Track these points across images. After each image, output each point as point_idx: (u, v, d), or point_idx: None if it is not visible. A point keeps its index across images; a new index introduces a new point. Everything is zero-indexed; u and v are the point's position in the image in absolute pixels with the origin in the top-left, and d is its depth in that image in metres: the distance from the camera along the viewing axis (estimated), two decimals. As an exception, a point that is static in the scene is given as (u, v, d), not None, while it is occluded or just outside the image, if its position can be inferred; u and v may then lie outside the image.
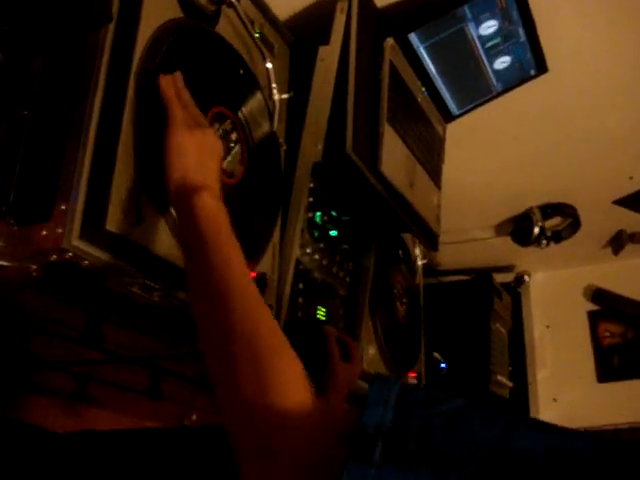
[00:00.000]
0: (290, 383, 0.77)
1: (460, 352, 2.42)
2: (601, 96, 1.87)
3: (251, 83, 1.30)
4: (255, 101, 1.30)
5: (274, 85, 1.32)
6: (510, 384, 2.58)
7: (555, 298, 2.98)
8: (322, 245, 1.52)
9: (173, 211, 1.01)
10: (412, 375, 2.02)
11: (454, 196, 2.17)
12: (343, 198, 1.58)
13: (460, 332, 2.46)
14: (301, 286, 1.44)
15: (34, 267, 0.95)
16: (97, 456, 1.26)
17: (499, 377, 2.44)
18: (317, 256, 1.50)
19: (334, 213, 1.58)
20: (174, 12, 1.14)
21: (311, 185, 1.45)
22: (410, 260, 2.14)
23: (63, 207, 0.89)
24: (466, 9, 1.52)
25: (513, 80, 1.74)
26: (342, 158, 1.35)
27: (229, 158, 1.19)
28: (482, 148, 2.13)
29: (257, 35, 1.36)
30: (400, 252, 2.07)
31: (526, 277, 2.93)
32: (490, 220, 2.61)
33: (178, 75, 1.06)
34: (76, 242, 0.88)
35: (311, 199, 1.47)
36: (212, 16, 1.24)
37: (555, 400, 2.85)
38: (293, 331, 1.38)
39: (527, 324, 2.92)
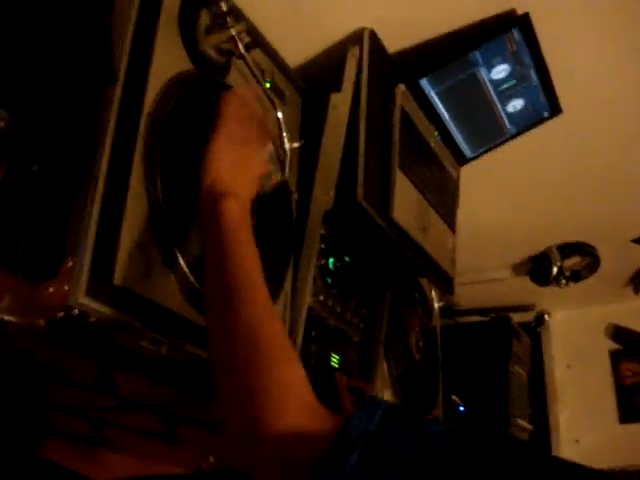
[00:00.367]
0: (288, 399, 0.78)
1: (479, 395, 2.39)
2: (618, 134, 1.85)
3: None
4: (266, 150, 1.30)
5: (285, 134, 1.32)
6: (530, 427, 2.53)
7: (576, 337, 2.94)
8: (335, 292, 1.51)
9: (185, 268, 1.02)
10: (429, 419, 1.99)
11: (471, 236, 2.16)
12: (356, 244, 1.57)
13: (478, 375, 2.43)
14: (314, 334, 1.43)
15: (42, 322, 0.95)
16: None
17: (519, 421, 2.40)
18: (330, 303, 1.49)
19: (347, 258, 1.57)
20: (184, 65, 1.15)
21: (323, 232, 1.45)
22: (427, 302, 2.12)
23: (70, 263, 0.89)
24: (477, 54, 1.52)
25: (527, 122, 1.73)
26: (353, 206, 1.35)
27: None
28: (498, 189, 2.12)
29: (268, 84, 1.37)
30: (416, 294, 2.05)
31: (546, 316, 2.90)
32: (508, 260, 2.59)
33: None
34: (83, 299, 0.88)
35: (323, 246, 1.46)
36: (222, 67, 1.25)
37: (577, 441, 2.79)
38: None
39: (547, 364, 2.87)
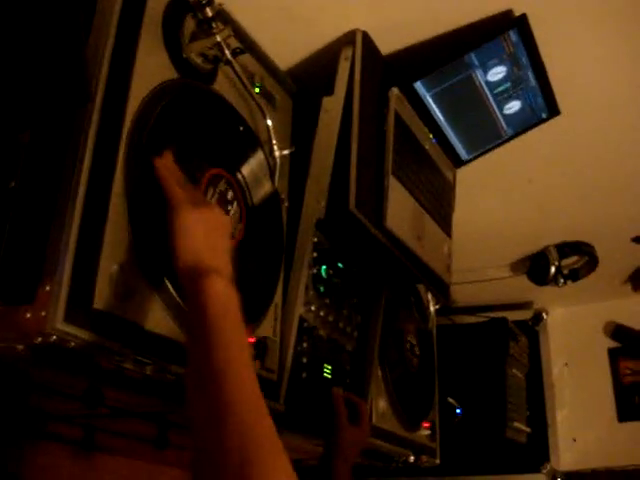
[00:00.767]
0: None
1: (475, 398, 2.37)
2: (616, 134, 1.82)
3: (251, 141, 1.27)
4: (256, 160, 1.27)
5: (275, 142, 1.29)
6: (527, 430, 2.50)
7: (574, 335, 2.91)
8: (328, 300, 1.48)
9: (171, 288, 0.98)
10: (426, 425, 1.96)
11: (469, 236, 2.13)
12: (349, 251, 1.54)
13: (475, 377, 2.40)
14: (305, 345, 1.39)
15: (20, 347, 0.91)
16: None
17: (516, 424, 2.37)
18: (322, 312, 1.46)
19: (340, 265, 1.54)
20: (168, 73, 1.11)
21: (315, 239, 1.41)
22: (422, 304, 2.09)
23: (47, 288, 0.85)
24: (473, 56, 1.48)
25: (524, 124, 1.69)
26: (346, 215, 1.31)
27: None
28: (496, 189, 2.09)
29: (257, 90, 1.33)
30: (412, 297, 2.02)
31: (544, 314, 2.86)
32: (506, 259, 2.56)
33: (168, 155, 1.02)
34: (60, 325, 0.84)
35: (315, 254, 1.43)
36: (209, 74, 1.21)
37: (575, 440, 2.77)
38: (298, 393, 1.33)
39: (545, 362, 2.83)
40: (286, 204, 1.37)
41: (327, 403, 1.44)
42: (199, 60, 1.17)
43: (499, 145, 1.74)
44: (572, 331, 2.91)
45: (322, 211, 1.36)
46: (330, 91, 1.44)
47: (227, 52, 1.18)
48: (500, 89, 1.57)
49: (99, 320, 0.90)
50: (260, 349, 1.21)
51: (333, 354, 1.50)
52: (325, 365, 1.47)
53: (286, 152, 1.33)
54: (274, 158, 1.30)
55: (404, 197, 1.47)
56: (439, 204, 1.67)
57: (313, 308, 1.42)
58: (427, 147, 1.61)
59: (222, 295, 0.87)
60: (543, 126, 1.71)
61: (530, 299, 2.89)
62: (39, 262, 0.88)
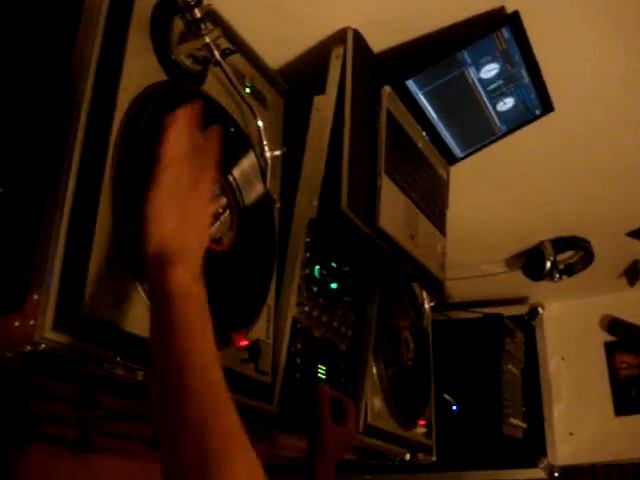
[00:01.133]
0: None
1: (471, 394, 2.36)
2: (610, 129, 1.81)
3: (242, 142, 1.26)
4: (247, 161, 1.26)
5: (266, 143, 1.28)
6: (524, 425, 2.50)
7: (570, 329, 2.90)
8: (321, 300, 1.47)
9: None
10: (422, 423, 1.96)
11: (464, 232, 2.12)
12: (343, 251, 1.53)
13: (471, 373, 2.40)
14: (299, 346, 1.39)
15: (10, 355, 0.91)
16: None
17: (512, 419, 2.37)
18: (316, 313, 1.45)
19: (334, 264, 1.53)
20: (157, 75, 1.10)
21: (307, 239, 1.41)
22: (417, 301, 2.08)
23: (35, 297, 0.85)
24: (465, 53, 1.47)
25: (518, 121, 1.68)
26: (338, 215, 1.30)
27: (217, 224, 1.14)
28: (491, 185, 2.08)
29: (248, 90, 1.32)
30: (406, 294, 2.01)
31: (540, 309, 2.86)
32: (501, 255, 2.55)
33: (196, 107, 0.98)
34: (49, 334, 0.83)
35: (308, 254, 1.42)
36: (198, 76, 1.20)
37: (572, 434, 2.77)
38: (292, 395, 1.33)
39: (542, 357, 2.83)
40: (278, 205, 1.36)
41: (313, 399, 1.43)
42: (188, 62, 1.16)
43: (493, 142, 1.73)
44: (568, 325, 2.90)
45: (314, 211, 1.35)
46: (321, 90, 1.43)
47: (216, 53, 1.16)
48: (493, 86, 1.56)
49: (88, 327, 0.89)
50: (253, 352, 1.20)
51: (327, 354, 1.50)
52: (319, 365, 1.46)
53: (277, 153, 1.32)
54: (265, 159, 1.29)
55: (397, 196, 1.47)
56: (433, 202, 1.66)
57: (307, 309, 1.42)
58: (420, 145, 1.61)
59: (184, 284, 0.84)
60: (537, 122, 1.71)
61: (526, 294, 2.89)
62: (27, 270, 0.87)
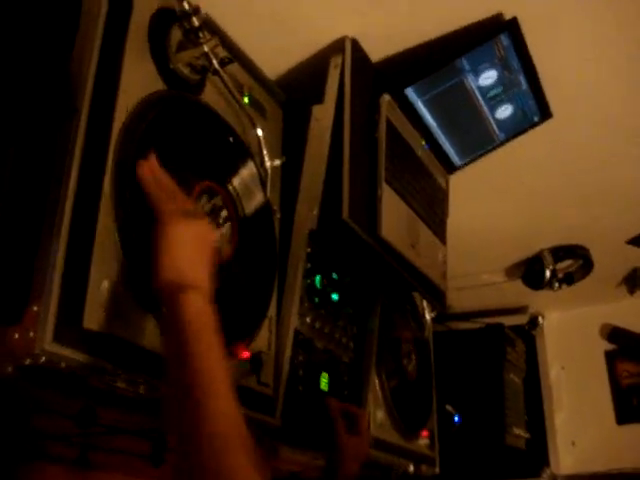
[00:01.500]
0: None
1: (474, 404, 2.34)
2: (609, 137, 1.81)
3: (241, 152, 1.25)
4: (247, 171, 1.24)
5: (265, 152, 1.27)
6: (526, 435, 2.48)
7: (570, 338, 2.89)
8: (323, 311, 1.46)
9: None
10: (425, 434, 1.94)
11: (463, 241, 2.11)
12: (344, 261, 1.51)
13: (473, 383, 2.38)
14: (301, 358, 1.37)
15: (10, 369, 0.89)
16: None
17: (515, 429, 2.35)
18: (318, 324, 1.43)
19: (335, 276, 1.52)
20: (155, 85, 1.09)
21: (308, 250, 1.39)
22: (418, 313, 2.07)
23: (35, 308, 0.83)
24: (464, 61, 1.47)
25: (517, 128, 1.68)
26: (339, 225, 1.29)
27: (217, 235, 1.13)
28: (489, 193, 2.07)
29: (246, 100, 1.31)
30: (407, 305, 2.00)
31: (540, 319, 2.85)
32: (501, 264, 2.54)
33: (152, 159, 0.99)
34: (49, 346, 0.81)
35: (309, 265, 1.40)
36: (197, 85, 1.18)
37: (574, 444, 2.75)
38: (295, 407, 1.31)
39: (542, 366, 2.82)
40: (278, 215, 1.34)
41: (325, 415, 1.41)
42: (186, 71, 1.15)
43: (492, 150, 1.73)
44: (568, 334, 2.89)
45: (315, 221, 1.34)
46: (320, 99, 1.43)
47: (215, 62, 1.15)
48: (492, 93, 1.56)
49: (90, 340, 0.87)
50: (255, 364, 1.18)
51: (330, 366, 1.48)
52: (322, 377, 1.44)
53: (277, 163, 1.31)
54: (265, 169, 1.27)
55: (398, 205, 1.46)
56: (433, 211, 1.65)
57: (308, 320, 1.40)
58: (419, 154, 1.60)
59: (199, 311, 0.87)
60: (536, 130, 1.70)
61: (526, 303, 2.88)
62: (26, 281, 0.85)
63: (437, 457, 2.04)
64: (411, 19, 1.43)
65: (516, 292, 2.68)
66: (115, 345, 0.91)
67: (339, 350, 1.53)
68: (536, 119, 1.66)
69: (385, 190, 1.39)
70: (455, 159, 1.74)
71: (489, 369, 2.36)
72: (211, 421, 0.78)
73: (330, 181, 1.35)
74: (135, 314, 0.95)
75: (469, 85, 1.52)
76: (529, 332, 2.81)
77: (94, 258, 0.89)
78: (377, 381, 1.71)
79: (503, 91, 1.56)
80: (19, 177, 0.92)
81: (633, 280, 2.61)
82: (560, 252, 2.37)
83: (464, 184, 1.89)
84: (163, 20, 1.12)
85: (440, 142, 1.66)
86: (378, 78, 1.50)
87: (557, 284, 2.44)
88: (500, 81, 1.53)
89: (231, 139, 1.23)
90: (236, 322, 1.16)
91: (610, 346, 2.83)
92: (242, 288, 1.19)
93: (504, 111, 1.62)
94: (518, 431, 2.38)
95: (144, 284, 0.95)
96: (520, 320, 2.85)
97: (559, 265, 2.40)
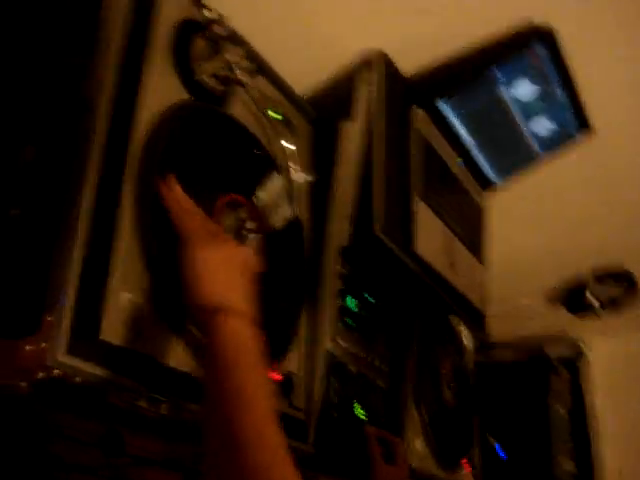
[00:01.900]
0: None
1: (518, 438, 2.24)
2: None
3: (268, 164, 1.20)
4: (273, 183, 1.20)
5: (293, 166, 1.22)
6: (574, 469, 2.37)
7: (617, 369, 2.77)
8: (357, 334, 1.39)
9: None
10: (466, 465, 1.85)
11: (503, 266, 2.03)
12: (378, 281, 1.45)
13: (517, 416, 2.28)
14: (335, 382, 1.30)
15: (24, 384, 0.84)
16: None
17: (562, 461, 2.24)
18: (352, 347, 1.37)
19: (369, 298, 1.46)
20: (179, 94, 1.06)
21: (341, 270, 1.34)
22: (458, 340, 1.99)
23: (49, 319, 0.79)
24: (497, 71, 1.41)
25: (555, 143, 1.61)
26: (372, 240, 1.24)
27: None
28: (528, 215, 2.00)
29: (274, 114, 1.27)
30: (446, 332, 1.92)
31: (584, 348, 2.74)
32: (542, 290, 2.45)
33: (173, 181, 0.95)
34: (63, 358, 0.77)
35: (342, 285, 1.35)
36: (222, 96, 1.15)
37: (621, 473, 2.62)
38: (329, 434, 1.25)
39: (588, 398, 2.71)
40: (308, 231, 1.29)
41: (360, 443, 1.35)
42: (211, 81, 1.11)
43: (530, 166, 1.66)
44: (614, 364, 2.77)
45: (347, 238, 1.29)
46: (350, 116, 1.38)
47: (239, 72, 1.12)
48: (528, 105, 1.50)
49: (107, 353, 0.83)
50: (287, 386, 1.13)
51: (365, 392, 1.41)
52: (357, 403, 1.38)
53: (307, 178, 1.26)
54: (293, 182, 1.23)
55: (433, 221, 1.40)
56: (470, 230, 1.59)
57: (341, 342, 1.34)
58: (454, 170, 1.54)
59: (239, 335, 0.81)
60: (577, 147, 1.64)
61: (569, 333, 2.77)
62: (41, 291, 0.81)
63: (480, 491, 1.95)
64: (442, 31, 1.39)
65: (559, 321, 2.58)
66: (134, 360, 0.86)
67: (375, 375, 1.46)
68: (574, 132, 1.60)
69: (419, 205, 1.34)
70: (492, 176, 1.68)
71: (534, 400, 2.26)
72: (254, 451, 0.71)
73: (362, 197, 1.30)
74: (156, 330, 0.90)
75: (504, 97, 1.46)
76: (573, 362, 2.70)
77: (113, 268, 0.85)
78: (415, 410, 1.63)
79: (539, 103, 1.50)
80: (37, 181, 0.89)
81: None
82: (603, 276, 2.28)
83: (502, 205, 1.83)
84: (187, 30, 1.09)
85: (476, 158, 1.60)
86: (409, 92, 1.46)
87: (601, 310, 2.34)
88: (536, 92, 1.47)
89: (256, 151, 1.19)
90: (266, 342, 1.10)
91: (658, 375, 2.71)
92: (270, 305, 1.14)
93: (541, 124, 1.56)
94: (565, 463, 2.27)
95: (166, 299, 0.90)
96: (564, 350, 2.75)
97: (602, 290, 2.31)
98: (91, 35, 0.98)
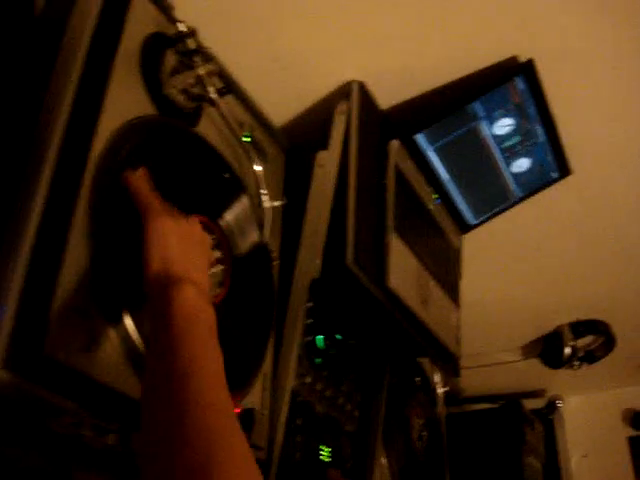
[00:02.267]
0: None
1: (490, 490, 2.16)
2: (634, 200, 1.70)
3: (236, 186, 1.15)
4: (241, 206, 1.14)
5: (264, 191, 1.17)
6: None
7: (591, 424, 2.71)
8: (325, 373, 1.33)
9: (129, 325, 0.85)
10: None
11: (475, 316, 1.98)
12: (348, 319, 1.39)
13: (489, 468, 2.20)
14: (299, 422, 1.23)
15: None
16: None
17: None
18: (319, 386, 1.30)
19: (338, 336, 1.39)
20: (146, 109, 1.00)
21: (310, 304, 1.28)
22: (430, 387, 1.92)
23: (-14, 329, 0.71)
24: (478, 106, 1.38)
25: (534, 185, 1.58)
26: (343, 272, 1.18)
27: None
28: (501, 262, 1.95)
29: (246, 138, 1.22)
30: (417, 379, 1.86)
31: (558, 403, 2.68)
32: (516, 341, 2.39)
33: (143, 172, 0.91)
34: (-1, 373, 0.69)
35: (310, 321, 1.28)
36: (192, 114, 1.10)
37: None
38: (290, 477, 1.17)
39: (562, 454, 2.63)
40: (277, 261, 1.24)
41: (326, 489, 1.27)
42: (181, 97, 1.06)
43: (508, 208, 1.62)
44: (589, 419, 2.71)
45: (318, 269, 1.23)
46: (325, 146, 1.34)
47: (211, 89, 1.07)
48: (508, 144, 1.47)
49: (49, 371, 0.75)
50: (247, 420, 1.05)
51: (331, 434, 1.34)
52: (322, 446, 1.30)
53: (277, 203, 1.21)
54: (263, 209, 1.17)
55: (407, 257, 1.35)
56: (445, 270, 1.54)
57: (309, 380, 1.27)
58: (430, 207, 1.50)
59: (193, 306, 0.75)
60: (554, 188, 1.60)
61: (543, 386, 2.72)
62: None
63: None
64: (421, 63, 1.37)
65: (533, 373, 2.52)
66: (79, 381, 0.79)
67: (342, 417, 1.39)
68: (554, 175, 1.57)
69: (393, 239, 1.28)
70: (468, 217, 1.63)
71: (507, 452, 2.18)
72: (202, 415, 0.64)
73: (334, 228, 1.25)
74: (106, 344, 0.83)
75: (483, 133, 1.43)
76: (547, 416, 2.64)
77: (62, 277, 0.78)
78: (384, 459, 1.56)
79: (520, 142, 1.47)
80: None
81: (657, 361, 2.46)
82: (580, 327, 2.24)
83: (474, 249, 1.78)
84: (156, 44, 1.05)
85: (452, 197, 1.56)
86: (386, 125, 1.42)
87: (577, 363, 2.29)
88: (516, 130, 1.44)
89: (227, 175, 1.13)
90: (227, 373, 1.03)
91: (633, 432, 2.65)
92: (234, 335, 1.07)
93: (521, 165, 1.52)
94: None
95: (110, 297, 0.84)
96: (537, 404, 2.69)
97: (579, 342, 2.26)
98: (55, 42, 0.94)
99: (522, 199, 1.61)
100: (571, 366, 2.30)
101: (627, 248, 1.86)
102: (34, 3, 1.02)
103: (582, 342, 2.28)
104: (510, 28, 1.30)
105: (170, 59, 1.06)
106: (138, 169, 0.91)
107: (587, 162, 1.56)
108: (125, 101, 0.97)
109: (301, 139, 1.42)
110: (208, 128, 1.13)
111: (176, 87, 1.06)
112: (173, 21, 1.07)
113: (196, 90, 1.07)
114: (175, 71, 1.06)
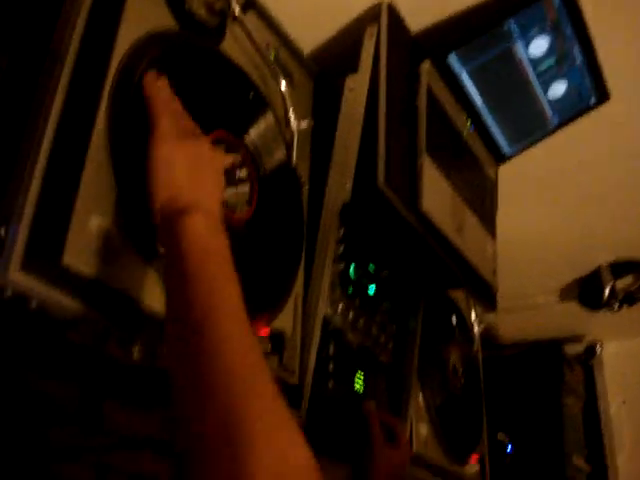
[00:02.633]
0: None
1: (529, 432, 2.13)
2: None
3: (261, 103, 1.11)
4: (267, 124, 1.11)
5: (291, 110, 1.13)
6: (588, 468, 2.25)
7: (631, 370, 2.65)
8: (357, 302, 1.30)
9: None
10: (474, 460, 1.74)
11: (510, 257, 1.91)
12: (381, 247, 1.36)
13: (527, 409, 2.17)
14: (332, 350, 1.21)
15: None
16: None
17: (575, 460, 2.12)
18: (351, 315, 1.27)
19: (372, 266, 1.36)
20: (165, 22, 0.97)
21: (342, 232, 1.24)
22: (466, 326, 1.89)
23: (2, 231, 0.69)
24: (512, 24, 1.32)
25: (571, 111, 1.52)
26: (374, 194, 1.14)
27: (232, 191, 0.99)
28: (538, 197, 1.88)
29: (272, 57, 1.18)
30: (453, 317, 1.82)
31: (598, 347, 2.62)
32: (554, 283, 2.33)
33: (164, 81, 0.87)
34: (14, 275, 0.67)
35: (342, 248, 1.25)
36: (215, 31, 1.06)
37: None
38: (322, 405, 1.15)
39: (602, 400, 2.59)
40: (306, 186, 1.20)
41: (358, 420, 1.25)
42: (202, 11, 1.03)
43: (545, 136, 1.56)
44: (629, 365, 2.65)
45: (348, 193, 1.19)
46: (354, 70, 1.30)
47: (235, 5, 1.04)
48: (544, 67, 1.41)
49: (70, 280, 0.73)
50: (277, 342, 1.03)
51: (365, 364, 1.31)
52: (356, 376, 1.28)
53: (305, 125, 1.17)
54: (291, 130, 1.13)
55: (440, 181, 1.30)
56: (480, 199, 1.49)
57: (340, 309, 1.24)
58: (464, 134, 1.45)
59: (204, 235, 0.72)
60: (593, 114, 1.53)
61: (582, 331, 2.66)
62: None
63: (488, 487, 1.83)
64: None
65: (571, 317, 2.47)
66: (102, 293, 0.77)
67: (376, 349, 1.36)
68: (592, 101, 1.50)
69: (426, 161, 1.24)
70: (504, 146, 1.57)
71: (546, 393, 2.15)
72: (229, 358, 0.63)
73: (365, 152, 1.21)
74: (129, 262, 0.81)
75: (519, 54, 1.37)
76: (586, 362, 2.59)
77: (83, 182, 0.76)
78: (420, 393, 1.53)
79: (556, 64, 1.40)
80: (8, 90, 0.80)
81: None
82: (620, 267, 2.17)
83: (510, 184, 1.71)
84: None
85: (486, 124, 1.50)
86: (417, 48, 1.37)
87: (617, 304, 2.23)
88: (552, 51, 1.38)
89: (251, 94, 1.10)
90: (255, 293, 1.00)
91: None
92: (263, 254, 1.04)
93: (557, 89, 1.46)
94: (579, 462, 2.15)
95: (142, 228, 0.81)
96: (576, 349, 2.63)
97: (619, 282, 2.20)
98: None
99: (558, 127, 1.55)
100: (611, 308, 2.24)
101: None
102: None
103: (622, 283, 2.21)
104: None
105: (192, -27, 1.02)
106: (159, 77, 0.88)
107: (628, 88, 1.48)
108: (145, 15, 0.93)
109: (330, 65, 1.37)
110: (233, 47, 1.10)
111: (199, 1, 1.02)
112: None
113: (220, 5, 1.04)
114: (196, -15, 1.02)
